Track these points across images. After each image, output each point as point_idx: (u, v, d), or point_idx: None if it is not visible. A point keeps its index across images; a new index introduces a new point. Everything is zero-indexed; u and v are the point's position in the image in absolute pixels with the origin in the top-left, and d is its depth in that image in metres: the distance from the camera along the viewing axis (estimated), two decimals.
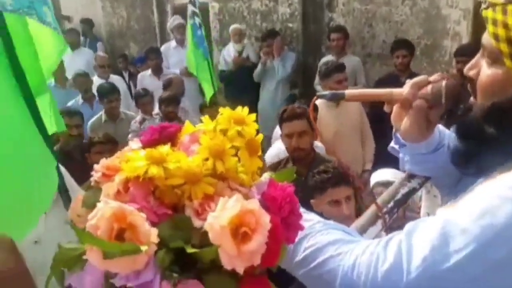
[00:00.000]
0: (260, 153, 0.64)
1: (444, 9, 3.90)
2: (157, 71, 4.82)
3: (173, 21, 5.60)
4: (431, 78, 0.83)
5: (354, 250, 0.68)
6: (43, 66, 1.72)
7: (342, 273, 0.67)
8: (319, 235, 0.72)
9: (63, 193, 1.73)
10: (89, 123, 3.72)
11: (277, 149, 3.03)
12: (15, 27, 1.48)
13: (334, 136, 3.14)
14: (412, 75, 3.59)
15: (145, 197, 0.55)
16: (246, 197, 0.56)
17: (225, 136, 0.61)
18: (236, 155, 0.61)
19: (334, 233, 0.73)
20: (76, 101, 4.18)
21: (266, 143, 3.54)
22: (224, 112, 0.62)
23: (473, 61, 0.74)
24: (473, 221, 0.59)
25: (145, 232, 0.46)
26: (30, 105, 1.47)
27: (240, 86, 4.72)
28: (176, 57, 5.30)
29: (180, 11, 6.17)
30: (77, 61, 5.40)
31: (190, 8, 3.86)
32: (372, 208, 1.00)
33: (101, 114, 3.81)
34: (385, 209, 1.04)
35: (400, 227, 0.71)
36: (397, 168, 1.12)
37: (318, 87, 4.52)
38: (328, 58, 4.47)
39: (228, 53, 5.02)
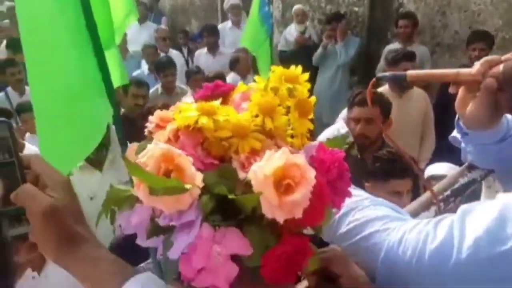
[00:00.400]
0: (311, 115, 0.63)
1: None
2: (213, 49, 4.88)
3: (227, 1, 5.63)
4: (504, 57, 0.77)
5: (402, 227, 0.66)
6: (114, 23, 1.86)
7: (387, 248, 0.66)
8: (366, 209, 0.71)
9: (122, 143, 1.80)
10: None
11: (333, 130, 3.00)
12: None
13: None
14: None
15: (194, 147, 0.56)
16: None
17: (276, 95, 0.61)
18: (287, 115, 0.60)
19: (382, 209, 0.71)
20: (141, 71, 4.34)
21: (319, 129, 3.49)
22: (276, 70, 0.61)
23: None
24: None
25: (190, 175, 0.47)
26: (99, 56, 1.59)
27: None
28: (231, 37, 5.35)
29: None
30: (143, 34, 5.61)
31: None
32: (427, 194, 0.97)
33: (158, 87, 3.93)
34: (440, 197, 1.00)
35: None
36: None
37: (379, 75, 4.36)
38: (394, 45, 4.30)
39: (290, 33, 4.98)
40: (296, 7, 4.98)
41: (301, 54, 4.67)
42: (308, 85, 0.62)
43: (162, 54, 4.66)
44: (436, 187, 1.00)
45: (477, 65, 0.78)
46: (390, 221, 0.68)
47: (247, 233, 0.51)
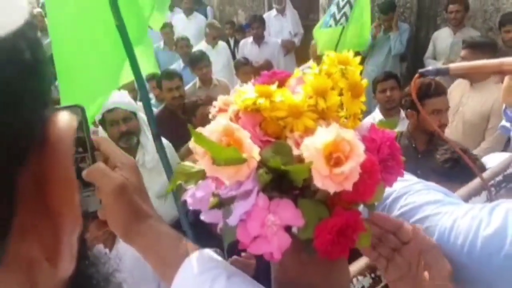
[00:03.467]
0: (364, 98, 0.65)
1: None
2: (259, 39, 4.89)
3: None
4: None
5: (454, 212, 0.65)
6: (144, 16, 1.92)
7: (438, 233, 0.66)
8: (417, 194, 0.71)
9: (156, 138, 1.85)
10: (184, 89, 3.79)
11: (369, 118, 2.97)
12: None
13: (452, 122, 2.88)
14: None
15: (253, 126, 0.60)
16: None
17: (330, 78, 0.64)
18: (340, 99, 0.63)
19: (434, 194, 0.71)
20: (178, 64, 4.38)
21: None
22: (330, 54, 0.64)
23: None
24: None
25: (248, 147, 0.51)
26: (130, 55, 1.66)
27: None
28: (277, 26, 5.35)
29: None
30: (191, 27, 5.72)
31: None
32: (478, 179, 0.96)
33: (195, 81, 3.94)
34: (492, 182, 0.99)
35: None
36: None
37: (428, 61, 4.24)
38: (444, 30, 4.15)
39: None
40: None
41: None
42: (361, 67, 0.64)
43: (209, 46, 4.69)
44: (488, 172, 0.98)
45: None
46: (442, 205, 0.68)
47: (301, 205, 0.54)
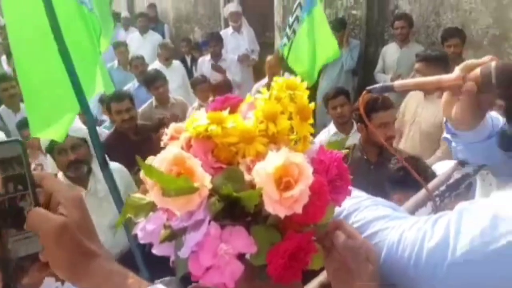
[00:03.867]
0: (311, 120, 0.68)
1: None
2: (216, 56, 4.92)
3: (227, 9, 5.70)
4: (480, 61, 0.81)
5: (401, 226, 0.68)
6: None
7: (387, 247, 0.68)
8: (366, 210, 0.73)
9: (104, 166, 1.79)
10: (140, 110, 3.66)
11: (325, 131, 3.05)
12: (64, 6, 1.68)
13: (410, 132, 3.03)
14: None
15: (205, 153, 0.60)
16: None
17: (279, 103, 0.66)
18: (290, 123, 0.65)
19: (382, 209, 0.73)
20: (133, 84, 4.28)
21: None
22: (279, 79, 0.66)
23: None
24: None
25: (199, 176, 0.52)
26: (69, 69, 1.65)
27: None
28: (233, 43, 5.41)
29: None
30: (146, 44, 5.68)
31: None
32: (423, 191, 1.00)
33: (151, 100, 3.86)
34: (436, 192, 1.04)
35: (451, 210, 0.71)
36: None
37: (378, 75, 4.42)
38: (391, 46, 4.36)
39: None
40: None
41: None
42: (307, 92, 0.67)
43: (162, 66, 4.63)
44: (432, 183, 1.03)
45: (456, 71, 0.83)
46: (390, 220, 0.70)
47: (253, 232, 0.55)
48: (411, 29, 4.21)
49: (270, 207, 0.52)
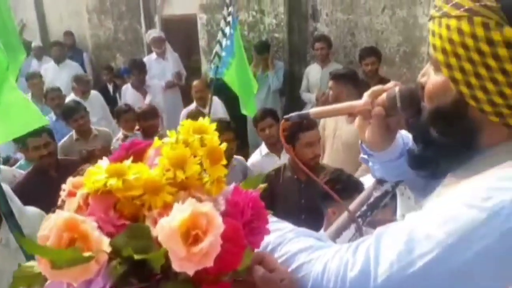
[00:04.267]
0: (224, 161, 0.65)
1: (421, 18, 4.02)
2: (140, 84, 4.77)
3: (149, 35, 5.61)
4: (385, 86, 0.86)
5: (324, 256, 0.68)
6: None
7: (313, 279, 0.68)
8: (290, 243, 0.73)
9: (8, 216, 1.67)
10: (60, 144, 3.40)
11: (257, 153, 3.07)
12: None
13: (332, 145, 3.12)
14: (381, 80, 3.63)
15: (105, 210, 0.55)
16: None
17: (188, 147, 0.62)
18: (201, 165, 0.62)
19: (305, 240, 0.73)
20: (50, 117, 4.00)
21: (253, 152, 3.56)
22: (185, 123, 0.63)
23: (424, 69, 0.78)
24: (438, 227, 0.60)
25: (96, 240, 0.47)
26: None
27: (229, 95, 4.74)
28: (158, 69, 5.32)
29: (168, 22, 6.22)
30: (63, 74, 5.38)
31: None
32: (345, 213, 1.02)
33: (72, 134, 3.64)
34: (358, 213, 1.06)
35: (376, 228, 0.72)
36: None
37: (303, 94, 4.57)
38: (314, 66, 4.54)
39: None
40: None
41: None
42: (217, 134, 0.64)
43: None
44: (353, 204, 1.05)
45: (365, 96, 0.87)
46: (314, 250, 0.71)
47: None
48: (330, 50, 4.42)
49: (177, 266, 0.48)
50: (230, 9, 3.52)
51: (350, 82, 3.10)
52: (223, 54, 3.55)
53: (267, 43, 4.85)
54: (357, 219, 1.00)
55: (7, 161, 3.53)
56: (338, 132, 3.14)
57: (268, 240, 0.73)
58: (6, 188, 1.88)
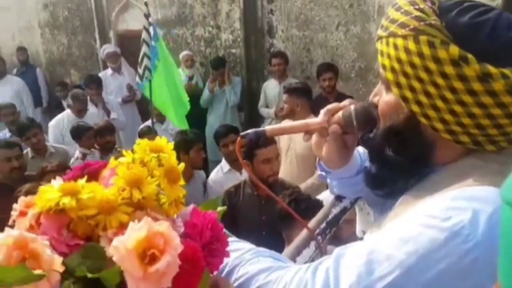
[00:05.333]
0: (182, 182, 0.65)
1: (375, 34, 4.11)
2: (97, 100, 4.64)
3: (103, 50, 5.51)
4: (341, 104, 0.88)
5: (283, 277, 0.67)
6: None
7: None
8: (248, 264, 0.72)
9: None
10: None
11: (218, 169, 3.08)
12: None
13: (287, 159, 3.15)
14: (339, 95, 3.74)
15: (58, 230, 0.54)
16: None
17: (145, 166, 0.62)
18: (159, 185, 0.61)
19: (263, 261, 0.72)
20: (3, 134, 3.92)
21: (212, 167, 3.53)
22: (141, 142, 0.62)
23: (376, 88, 0.79)
24: (397, 248, 0.59)
25: (47, 259, 0.46)
26: None
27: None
28: (114, 84, 5.25)
29: (123, 37, 6.12)
30: (5, 90, 5.18)
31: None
32: (305, 231, 1.02)
33: (27, 150, 3.54)
34: (317, 231, 1.06)
35: (336, 245, 0.71)
36: None
37: (261, 109, 4.62)
38: (271, 81, 4.61)
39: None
40: (185, 53, 5.09)
41: (190, 98, 4.73)
42: (174, 153, 0.64)
43: None
44: (312, 222, 1.06)
45: (321, 115, 0.89)
46: (273, 271, 0.69)
47: None
48: (287, 66, 4.51)
49: (134, 286, 0.47)
50: (150, 19, 3.73)
51: (304, 95, 3.21)
52: (151, 57, 3.75)
53: (223, 59, 4.89)
54: (316, 237, 1.00)
55: None
56: (292, 145, 3.21)
57: (226, 261, 0.72)
58: None
